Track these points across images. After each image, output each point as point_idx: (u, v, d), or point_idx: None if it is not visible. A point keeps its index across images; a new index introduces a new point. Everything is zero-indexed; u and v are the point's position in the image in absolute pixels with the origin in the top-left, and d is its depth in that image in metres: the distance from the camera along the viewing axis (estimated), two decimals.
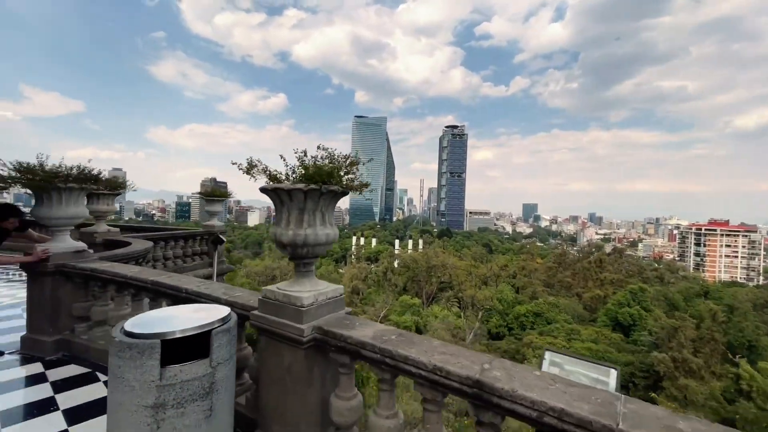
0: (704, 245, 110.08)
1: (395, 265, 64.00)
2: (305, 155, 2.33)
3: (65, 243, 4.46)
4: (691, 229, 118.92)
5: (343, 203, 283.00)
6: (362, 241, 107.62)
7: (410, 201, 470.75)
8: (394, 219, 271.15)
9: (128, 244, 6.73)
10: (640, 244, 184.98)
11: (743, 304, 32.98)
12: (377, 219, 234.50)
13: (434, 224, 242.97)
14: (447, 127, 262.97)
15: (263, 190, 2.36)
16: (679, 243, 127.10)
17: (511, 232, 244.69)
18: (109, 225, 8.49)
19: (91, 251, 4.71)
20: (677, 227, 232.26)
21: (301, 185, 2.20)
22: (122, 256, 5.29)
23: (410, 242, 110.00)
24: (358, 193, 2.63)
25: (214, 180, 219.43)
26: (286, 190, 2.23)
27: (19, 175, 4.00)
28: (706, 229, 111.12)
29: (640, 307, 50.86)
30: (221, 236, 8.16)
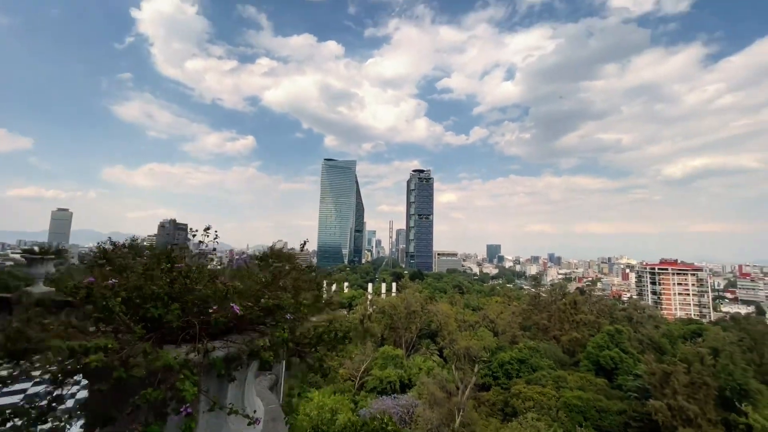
0: (659, 284, 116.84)
1: (371, 311, 60.27)
2: None
3: None
4: (645, 268, 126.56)
5: (311, 244, 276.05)
6: (333, 285, 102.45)
7: (378, 242, 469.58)
8: (363, 261, 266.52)
9: None
10: (599, 283, 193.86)
11: (727, 345, 33.27)
12: (346, 261, 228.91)
13: (403, 266, 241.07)
14: (414, 171, 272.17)
15: None
16: (636, 282, 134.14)
17: (478, 273, 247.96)
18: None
19: None
20: (628, 266, 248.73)
21: None
22: None
23: (383, 285, 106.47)
24: None
25: (174, 222, 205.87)
26: None
27: None
28: (658, 269, 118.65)
29: (619, 350, 50.93)
30: None
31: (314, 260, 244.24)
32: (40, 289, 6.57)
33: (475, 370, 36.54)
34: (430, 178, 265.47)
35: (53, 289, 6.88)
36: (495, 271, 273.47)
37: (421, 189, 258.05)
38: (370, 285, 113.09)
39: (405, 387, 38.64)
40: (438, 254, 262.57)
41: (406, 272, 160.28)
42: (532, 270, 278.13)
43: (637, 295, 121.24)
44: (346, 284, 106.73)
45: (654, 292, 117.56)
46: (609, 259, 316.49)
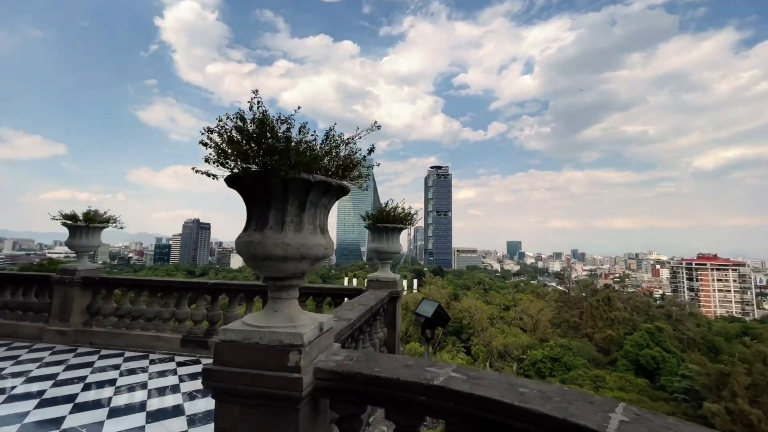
0: (697, 280, 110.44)
1: None
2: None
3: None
4: (681, 264, 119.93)
5: None
6: (354, 282, 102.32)
7: None
8: None
9: None
10: (627, 280, 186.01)
11: None
12: (365, 258, 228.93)
13: (422, 263, 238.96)
14: (432, 167, 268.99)
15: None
16: (670, 278, 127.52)
17: (499, 270, 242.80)
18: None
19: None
20: (658, 262, 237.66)
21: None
22: None
23: (404, 282, 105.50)
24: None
25: (197, 221, 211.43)
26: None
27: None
28: (696, 264, 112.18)
29: (661, 349, 48.13)
30: (442, 308, 4.33)
31: (333, 258, 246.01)
32: (85, 265, 5.77)
33: (514, 368, 34.97)
34: (448, 174, 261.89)
35: (100, 264, 6.06)
36: (516, 268, 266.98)
37: (439, 185, 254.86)
38: None
39: None
40: (457, 251, 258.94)
41: (425, 269, 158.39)
42: (555, 267, 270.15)
43: (672, 291, 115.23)
44: (366, 281, 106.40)
45: (691, 289, 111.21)
46: (636, 255, 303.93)
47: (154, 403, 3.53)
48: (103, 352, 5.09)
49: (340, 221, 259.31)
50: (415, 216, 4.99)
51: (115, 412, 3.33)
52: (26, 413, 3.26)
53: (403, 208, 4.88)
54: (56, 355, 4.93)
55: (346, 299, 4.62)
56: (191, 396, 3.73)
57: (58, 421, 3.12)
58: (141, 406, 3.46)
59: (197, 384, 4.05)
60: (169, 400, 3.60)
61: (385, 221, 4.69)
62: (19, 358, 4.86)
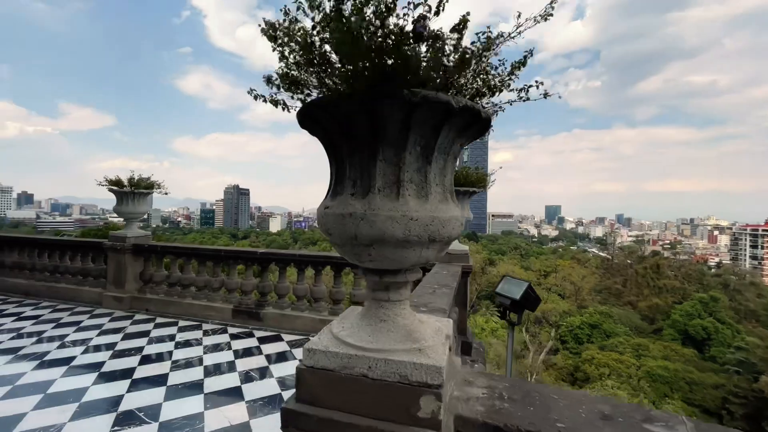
0: (762, 247, 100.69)
1: None
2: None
3: None
4: (745, 229, 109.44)
5: None
6: None
7: None
8: None
9: None
10: (678, 246, 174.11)
11: None
12: None
13: None
14: None
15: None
16: (730, 245, 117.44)
17: (536, 235, 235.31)
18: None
19: None
20: (717, 227, 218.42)
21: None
22: None
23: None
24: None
25: (237, 187, 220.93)
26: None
27: None
28: (763, 230, 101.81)
29: (714, 319, 45.36)
30: (533, 289, 3.67)
31: None
32: (135, 232, 5.69)
33: (552, 334, 34.50)
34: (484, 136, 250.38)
35: (148, 231, 5.98)
36: (555, 233, 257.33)
37: (474, 148, 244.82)
38: None
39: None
40: (492, 216, 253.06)
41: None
42: (597, 232, 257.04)
43: (731, 260, 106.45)
44: None
45: (754, 257, 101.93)
46: (692, 220, 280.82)
47: (212, 385, 3.31)
48: (158, 320, 5.08)
49: None
50: (490, 179, 4.05)
51: (173, 393, 3.16)
52: (85, 389, 3.17)
53: (476, 168, 4.01)
54: (115, 322, 5.00)
55: None
56: (248, 377, 3.49)
57: (116, 401, 2.96)
58: (198, 386, 3.26)
59: (252, 362, 3.87)
60: (227, 381, 3.38)
61: (456, 184, 3.82)
62: (81, 324, 4.93)
